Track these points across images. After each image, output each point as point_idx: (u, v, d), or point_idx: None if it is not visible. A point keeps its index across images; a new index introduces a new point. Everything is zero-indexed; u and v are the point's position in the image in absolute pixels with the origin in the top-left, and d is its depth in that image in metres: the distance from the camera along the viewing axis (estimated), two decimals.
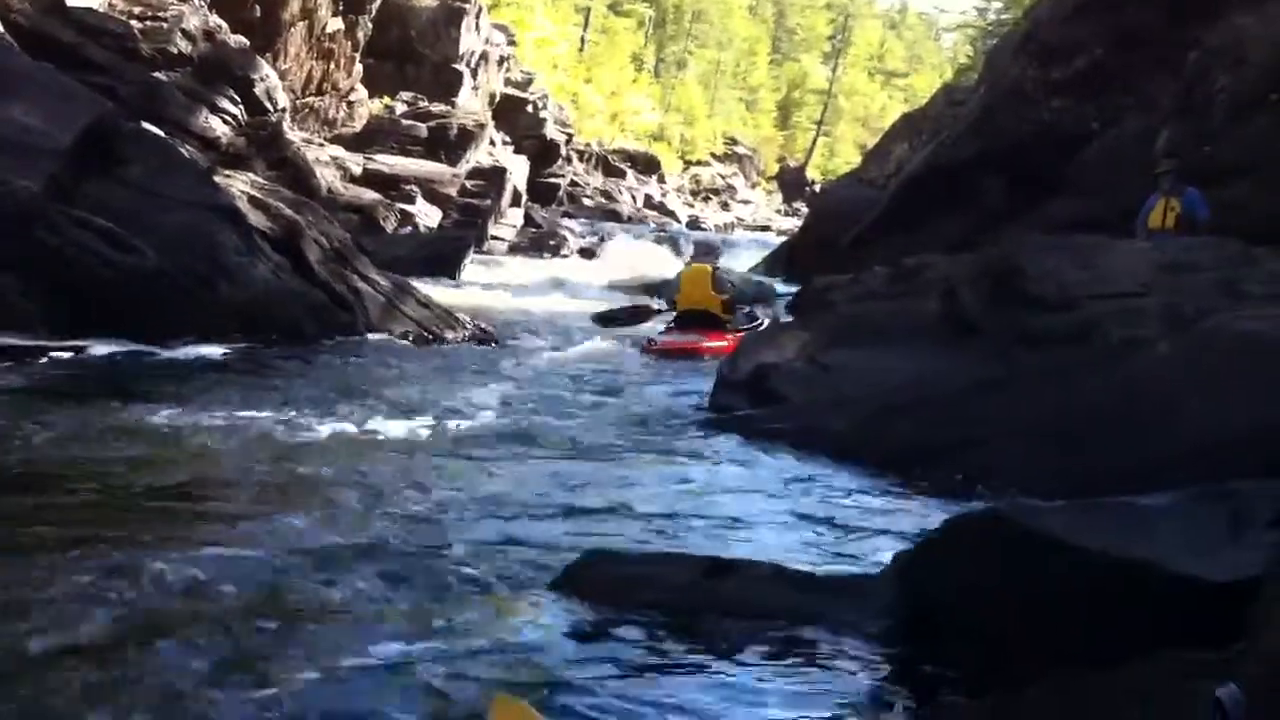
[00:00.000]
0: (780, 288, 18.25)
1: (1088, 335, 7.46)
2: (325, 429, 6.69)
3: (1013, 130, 17.57)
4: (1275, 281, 7.36)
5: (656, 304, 13.79)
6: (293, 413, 7.06)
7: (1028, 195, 16.10)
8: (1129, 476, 5.24)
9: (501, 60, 32.21)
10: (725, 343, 11.50)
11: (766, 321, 12.68)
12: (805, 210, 43.96)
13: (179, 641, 3.44)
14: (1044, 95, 17.73)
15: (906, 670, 3.60)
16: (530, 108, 33.27)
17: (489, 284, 18.17)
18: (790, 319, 12.32)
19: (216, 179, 11.58)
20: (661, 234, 33.45)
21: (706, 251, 13.41)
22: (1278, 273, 7.59)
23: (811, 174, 73.01)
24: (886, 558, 4.22)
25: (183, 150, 12.96)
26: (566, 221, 32.58)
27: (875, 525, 5.45)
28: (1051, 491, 5.55)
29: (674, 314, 12.74)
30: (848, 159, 72.41)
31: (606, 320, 13.72)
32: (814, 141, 79.73)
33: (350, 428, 6.81)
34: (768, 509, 5.62)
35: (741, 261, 24.99)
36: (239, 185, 11.80)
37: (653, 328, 12.86)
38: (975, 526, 3.78)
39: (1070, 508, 3.96)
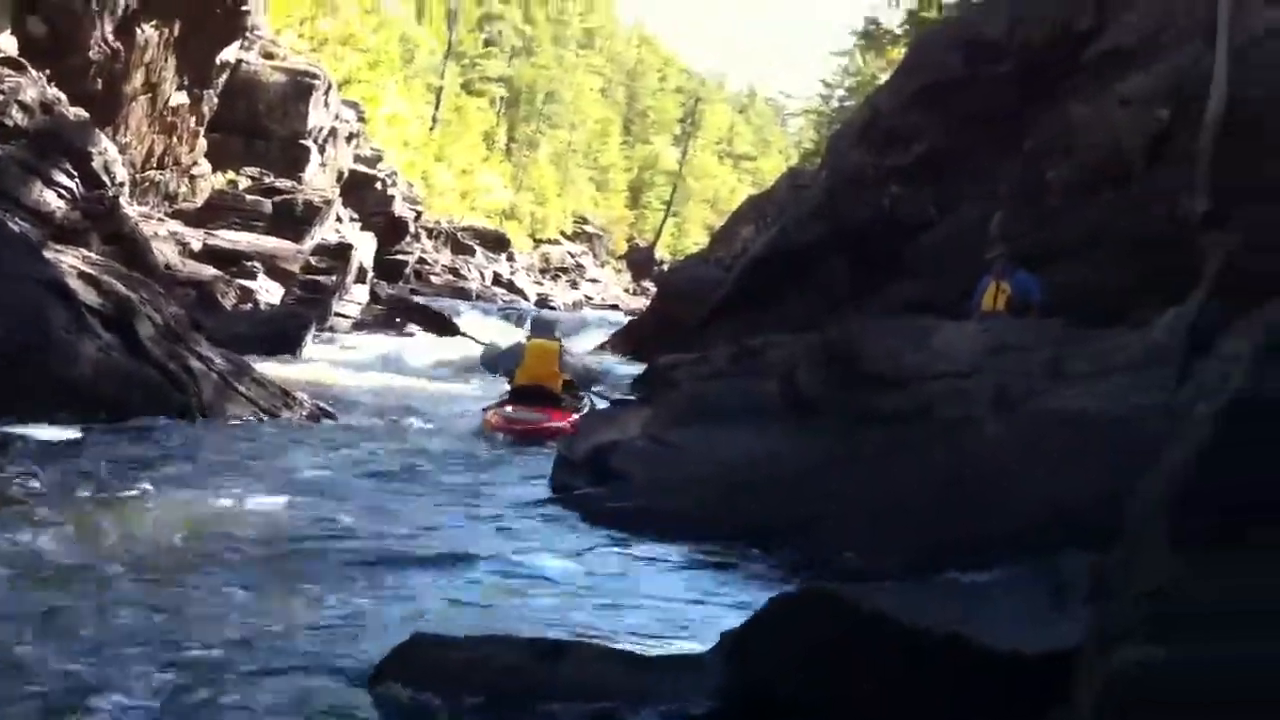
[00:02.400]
0: (626, 368, 18.31)
1: (923, 414, 7.61)
2: (149, 512, 6.44)
3: (854, 215, 17.99)
4: (1095, 360, 7.61)
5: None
6: (117, 496, 6.78)
7: (869, 277, 16.47)
8: (964, 549, 5.33)
9: (351, 136, 31.96)
10: (566, 424, 11.30)
11: (596, 405, 12.44)
12: (653, 289, 44.37)
13: None
14: (884, 180, 18.23)
15: None
16: (379, 184, 33.03)
17: (332, 362, 17.85)
18: (630, 398, 12.25)
19: (47, 254, 11.18)
20: (510, 311, 33.37)
21: (545, 327, 13.04)
22: (1101, 352, 7.85)
23: (660, 254, 73.86)
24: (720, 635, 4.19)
25: (13, 224, 12.48)
26: (413, 298, 32.30)
27: (715, 603, 5.43)
28: (890, 566, 5.64)
29: (510, 388, 12.27)
30: (696, 239, 73.47)
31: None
32: (663, 222, 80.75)
33: (176, 511, 6.55)
34: (605, 588, 5.56)
35: (590, 339, 25.06)
36: (70, 261, 11.41)
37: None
38: (802, 604, 3.78)
39: (897, 586, 4.00)
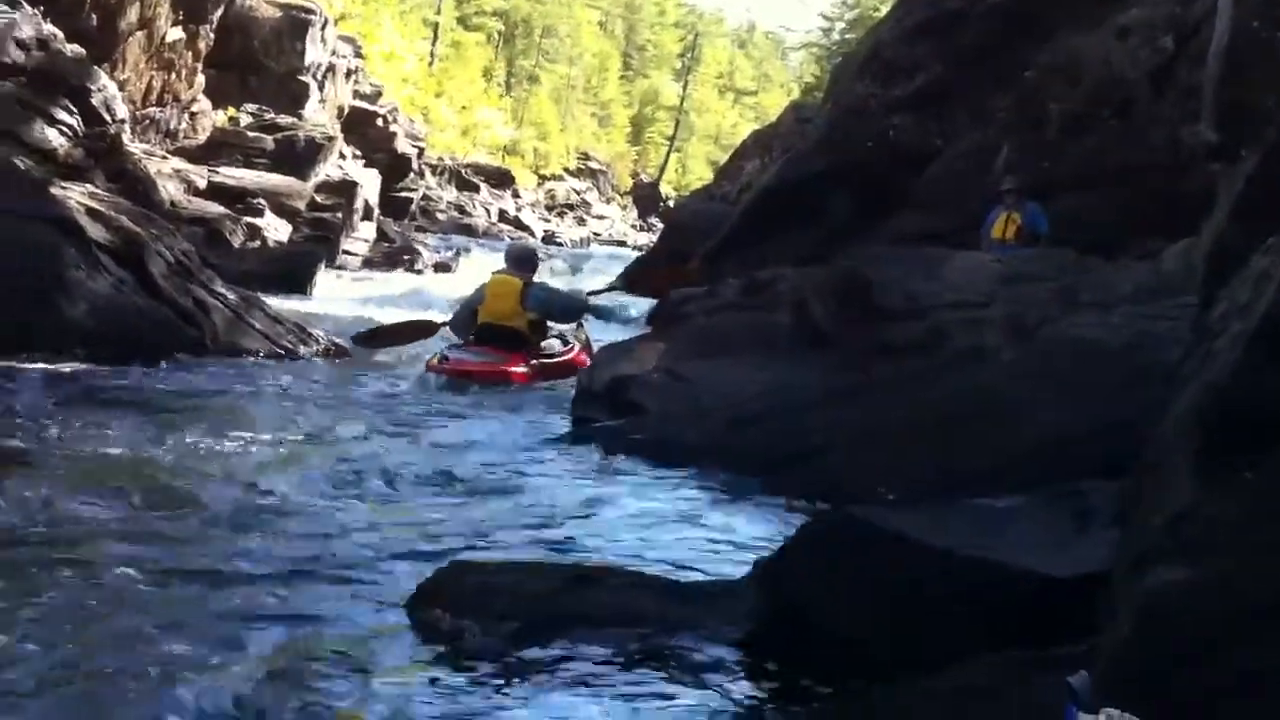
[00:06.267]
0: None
1: (935, 344, 7.66)
2: (171, 451, 6.46)
3: (858, 147, 17.94)
4: (1106, 290, 7.68)
5: (441, 318, 11.86)
6: (137, 434, 6.80)
7: (875, 209, 16.45)
8: (980, 478, 5.39)
9: (349, 73, 31.71)
10: (526, 369, 10.31)
11: (578, 346, 11.25)
12: (659, 225, 44.26)
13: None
14: (887, 113, 18.16)
15: (770, 674, 3.63)
16: (380, 121, 32.81)
17: (342, 299, 17.85)
18: (641, 332, 12.10)
19: (54, 191, 11.14)
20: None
21: (518, 259, 11.27)
22: (1107, 282, 7.92)
23: (665, 189, 73.62)
24: (748, 564, 4.26)
25: (17, 162, 12.43)
26: (420, 235, 32.24)
27: (736, 532, 5.50)
28: (906, 495, 5.70)
29: (475, 328, 10.79)
30: (700, 175, 73.24)
31: (369, 339, 11.80)
32: (667, 157, 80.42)
33: (198, 449, 6.58)
34: (629, 519, 5.63)
35: (598, 278, 25.02)
36: (76, 197, 11.34)
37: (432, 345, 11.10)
38: (831, 530, 3.85)
39: (921, 510, 4.07)
